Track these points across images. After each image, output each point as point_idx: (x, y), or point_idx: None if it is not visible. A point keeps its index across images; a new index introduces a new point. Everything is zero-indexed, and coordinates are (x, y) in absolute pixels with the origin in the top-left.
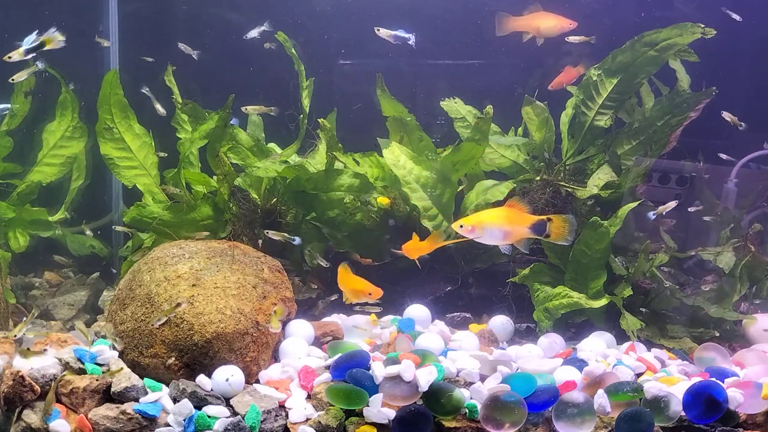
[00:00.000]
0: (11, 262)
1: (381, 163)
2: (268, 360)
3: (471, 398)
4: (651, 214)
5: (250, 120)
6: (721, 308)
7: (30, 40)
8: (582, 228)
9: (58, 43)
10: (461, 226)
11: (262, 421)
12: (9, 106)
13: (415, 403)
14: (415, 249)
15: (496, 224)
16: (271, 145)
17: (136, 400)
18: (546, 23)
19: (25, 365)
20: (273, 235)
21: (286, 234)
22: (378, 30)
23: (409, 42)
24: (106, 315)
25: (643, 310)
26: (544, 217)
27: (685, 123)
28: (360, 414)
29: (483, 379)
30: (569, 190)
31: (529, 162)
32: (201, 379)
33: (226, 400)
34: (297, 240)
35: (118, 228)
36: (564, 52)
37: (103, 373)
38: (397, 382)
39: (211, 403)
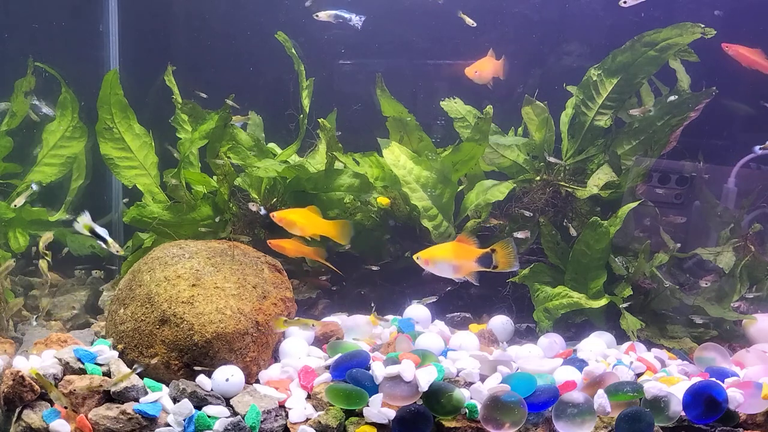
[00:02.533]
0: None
1: (381, 163)
2: (268, 360)
3: (471, 398)
4: (758, 149)
5: (250, 120)
6: (721, 308)
7: None
8: (582, 228)
9: None
10: (418, 258)
11: (262, 421)
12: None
13: (415, 403)
14: (293, 249)
15: (445, 259)
16: (271, 145)
17: (136, 400)
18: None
19: (25, 365)
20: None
21: (256, 203)
22: (317, 15)
23: (351, 23)
24: (106, 315)
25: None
26: (488, 249)
27: (685, 123)
28: (360, 414)
29: (483, 379)
30: (569, 190)
31: (529, 162)
32: (201, 379)
33: (226, 400)
34: (263, 210)
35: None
36: (564, 52)
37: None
38: (397, 382)
39: (211, 403)
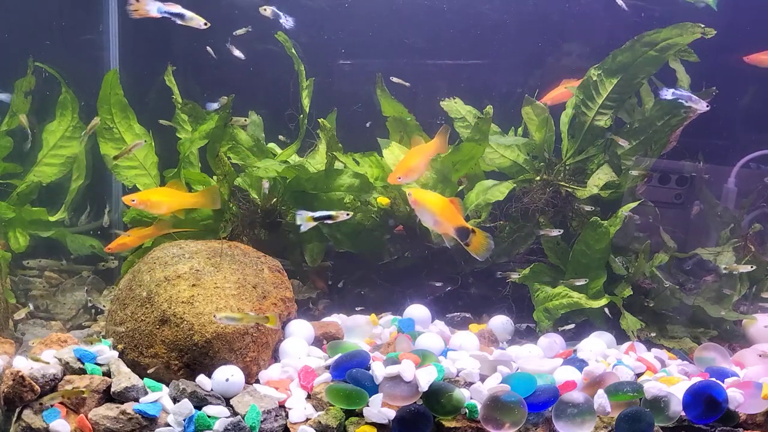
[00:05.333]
0: (11, 262)
1: (381, 163)
2: (268, 360)
3: (471, 398)
4: None
5: (250, 120)
6: (721, 308)
7: None
8: (582, 228)
9: None
10: (409, 194)
11: (262, 421)
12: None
13: (415, 403)
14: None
15: (431, 209)
16: (271, 145)
17: (136, 400)
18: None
19: (25, 365)
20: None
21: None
22: (264, 9)
23: (280, 21)
24: (106, 315)
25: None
26: (470, 226)
27: (685, 123)
28: (360, 414)
29: (483, 379)
30: (569, 190)
31: (529, 162)
32: (201, 379)
33: (226, 400)
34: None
35: None
36: (564, 52)
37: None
38: (397, 382)
39: (211, 403)
